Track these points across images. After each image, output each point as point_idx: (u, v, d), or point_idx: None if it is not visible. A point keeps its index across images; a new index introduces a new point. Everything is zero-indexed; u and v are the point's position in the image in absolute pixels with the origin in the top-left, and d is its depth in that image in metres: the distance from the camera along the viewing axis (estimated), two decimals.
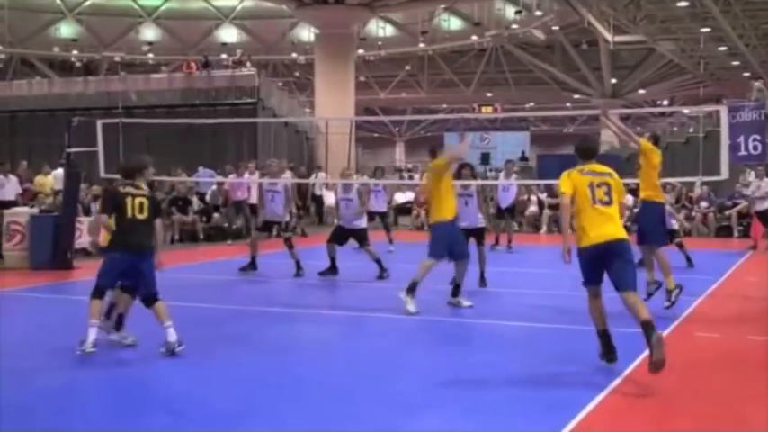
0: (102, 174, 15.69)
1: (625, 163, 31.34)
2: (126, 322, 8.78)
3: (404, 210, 28.68)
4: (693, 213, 24.13)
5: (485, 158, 54.13)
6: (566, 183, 7.73)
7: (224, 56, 45.12)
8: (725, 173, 12.15)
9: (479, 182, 14.30)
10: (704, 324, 10.26)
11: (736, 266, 16.43)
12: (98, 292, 8.45)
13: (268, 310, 11.51)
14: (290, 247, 14.77)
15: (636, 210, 13.54)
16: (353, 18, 37.81)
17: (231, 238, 21.82)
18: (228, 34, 57.56)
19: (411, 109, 67.01)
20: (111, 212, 8.64)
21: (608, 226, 7.59)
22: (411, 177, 40.14)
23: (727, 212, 23.96)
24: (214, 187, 23.74)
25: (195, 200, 23.10)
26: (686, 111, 49.70)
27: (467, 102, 57.74)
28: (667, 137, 37.46)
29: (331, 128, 30.03)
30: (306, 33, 53.41)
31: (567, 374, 7.72)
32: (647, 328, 7.10)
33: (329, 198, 26.65)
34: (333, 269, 14.21)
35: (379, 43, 55.58)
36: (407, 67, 59.41)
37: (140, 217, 8.52)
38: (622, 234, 7.63)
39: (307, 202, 26.25)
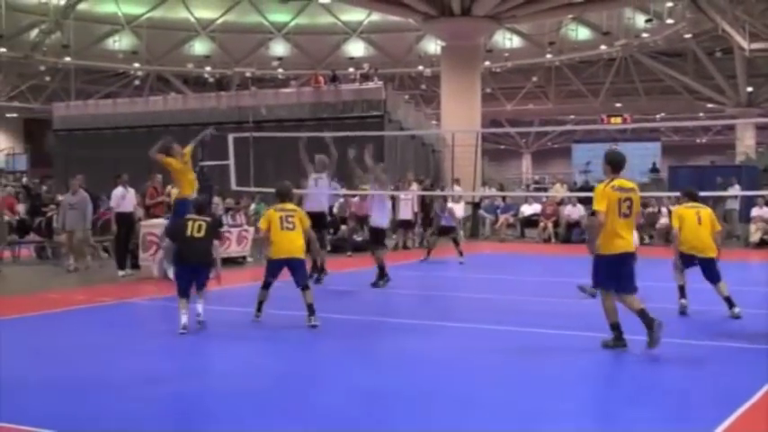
0: (234, 186, 16.07)
1: (762, 174, 30.35)
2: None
3: (530, 222, 28.42)
4: None
5: None
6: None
7: (351, 69, 45.68)
8: None
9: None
10: None
11: None
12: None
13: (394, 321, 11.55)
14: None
15: None
16: (480, 30, 37.68)
17: (351, 251, 21.99)
18: (356, 48, 58.25)
19: (538, 120, 66.35)
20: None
21: None
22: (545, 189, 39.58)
23: None
24: (342, 200, 24.00)
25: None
26: None
27: (595, 112, 56.81)
28: None
29: (457, 140, 29.86)
30: (432, 46, 53.58)
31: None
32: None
33: (457, 211, 26.61)
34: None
35: (506, 54, 55.26)
36: (534, 78, 58.89)
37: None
38: None
39: (431, 214, 26.24)
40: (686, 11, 44.91)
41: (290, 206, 10.98)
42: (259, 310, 10.92)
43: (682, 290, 11.47)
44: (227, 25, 56.93)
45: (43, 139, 50.69)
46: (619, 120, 53.43)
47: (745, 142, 50.38)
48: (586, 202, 24.34)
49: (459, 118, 34.31)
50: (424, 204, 24.29)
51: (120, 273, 16.90)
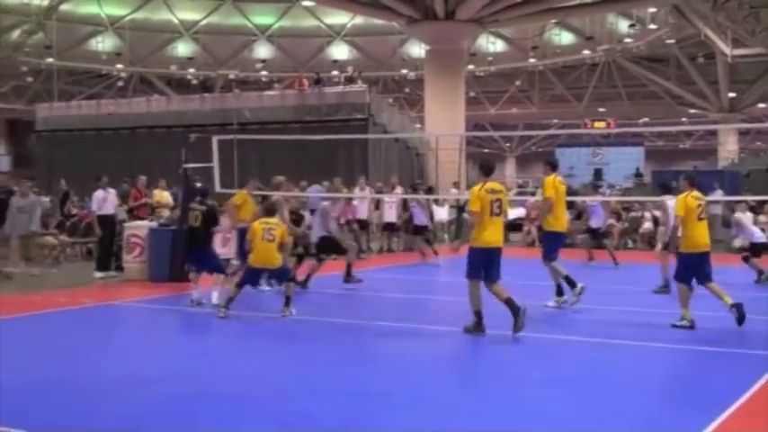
0: (218, 188, 16.02)
1: (744, 179, 30.52)
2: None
3: (514, 226, 28.40)
4: None
5: (597, 174, 53.32)
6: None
7: (335, 72, 45.64)
8: None
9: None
10: None
11: None
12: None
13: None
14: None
15: None
16: (464, 34, 37.70)
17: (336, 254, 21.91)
18: (339, 51, 58.21)
19: (522, 124, 66.51)
20: None
21: None
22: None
23: None
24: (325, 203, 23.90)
25: (307, 215, 23.33)
26: None
27: (578, 117, 57.04)
28: None
29: (441, 143, 29.93)
30: (416, 49, 53.57)
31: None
32: None
33: (440, 213, 26.60)
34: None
35: (490, 58, 55.34)
36: (518, 83, 59.02)
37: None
38: None
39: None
40: (669, 16, 45.10)
41: (273, 221, 12.07)
42: (226, 306, 11.60)
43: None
44: (210, 27, 56.77)
45: (26, 140, 50.44)
46: (602, 124, 53.71)
47: (728, 147, 50.69)
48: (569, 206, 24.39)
49: (443, 121, 34.34)
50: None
51: (99, 275, 16.82)
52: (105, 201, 17.61)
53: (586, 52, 52.95)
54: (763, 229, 17.70)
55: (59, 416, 6.80)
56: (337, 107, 31.22)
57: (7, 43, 49.17)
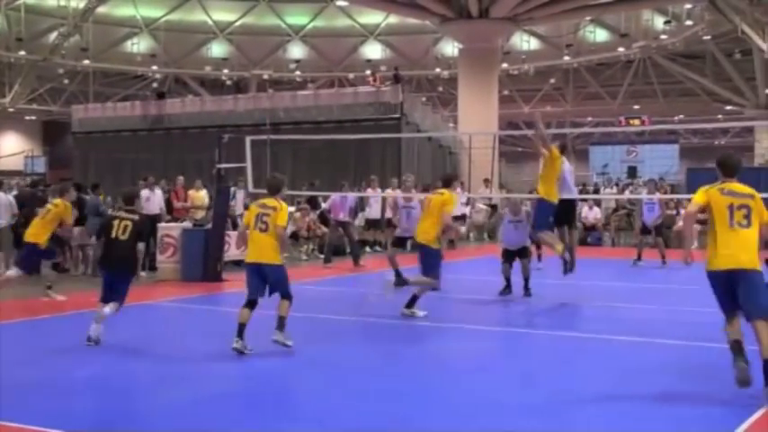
0: (251, 188, 16.09)
1: None
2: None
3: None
4: None
5: (632, 172, 52.87)
6: (701, 196, 7.64)
7: (368, 72, 45.67)
8: None
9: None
10: None
11: None
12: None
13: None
14: None
15: None
16: (497, 32, 37.58)
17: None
18: (373, 50, 58.18)
19: (555, 122, 66.10)
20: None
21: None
22: None
23: None
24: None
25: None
26: None
27: (613, 114, 56.56)
28: None
29: (474, 142, 29.85)
30: (449, 48, 53.46)
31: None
32: None
33: (475, 217, 26.53)
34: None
35: (523, 57, 55.06)
36: (552, 81, 58.68)
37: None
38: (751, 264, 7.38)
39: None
40: (705, 12, 44.62)
41: (271, 203, 9.38)
42: (239, 335, 8.98)
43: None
44: (244, 28, 56.99)
45: (62, 141, 50.97)
46: (637, 122, 53.16)
47: (764, 144, 50.06)
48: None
49: (477, 120, 34.26)
50: None
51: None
52: (149, 200, 17.73)
53: (621, 49, 52.49)
54: None
55: (101, 414, 6.90)
56: (370, 107, 31.22)
57: (44, 46, 49.70)
